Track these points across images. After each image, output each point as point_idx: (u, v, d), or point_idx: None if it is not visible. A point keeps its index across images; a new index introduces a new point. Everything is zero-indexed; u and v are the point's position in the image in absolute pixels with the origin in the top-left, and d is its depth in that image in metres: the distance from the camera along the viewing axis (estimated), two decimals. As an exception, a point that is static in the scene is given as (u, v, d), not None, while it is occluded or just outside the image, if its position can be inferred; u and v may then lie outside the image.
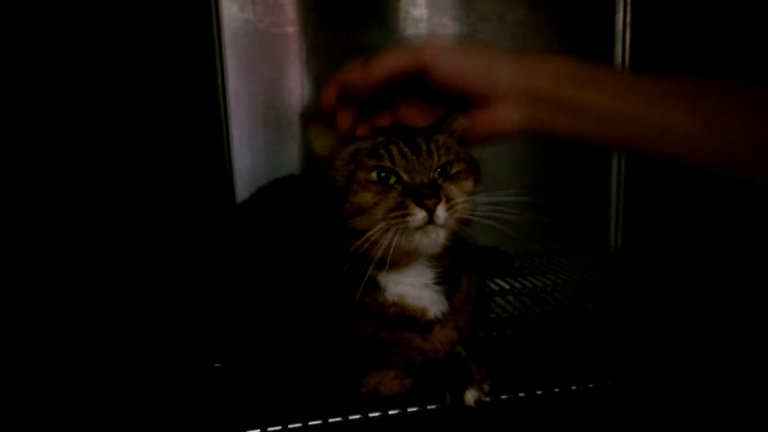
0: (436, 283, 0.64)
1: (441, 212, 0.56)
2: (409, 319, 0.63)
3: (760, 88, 0.55)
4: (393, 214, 0.56)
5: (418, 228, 0.56)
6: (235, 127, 1.10)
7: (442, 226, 0.57)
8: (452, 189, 0.60)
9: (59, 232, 0.85)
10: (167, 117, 0.93)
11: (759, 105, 0.54)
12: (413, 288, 0.63)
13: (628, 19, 1.22)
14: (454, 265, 0.66)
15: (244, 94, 1.10)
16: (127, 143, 0.90)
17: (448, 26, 1.19)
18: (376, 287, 0.62)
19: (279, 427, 0.60)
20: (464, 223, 0.61)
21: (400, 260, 0.60)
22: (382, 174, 0.59)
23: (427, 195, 0.56)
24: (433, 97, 0.63)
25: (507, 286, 1.03)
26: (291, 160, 1.14)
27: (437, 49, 0.58)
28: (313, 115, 0.63)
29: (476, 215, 0.60)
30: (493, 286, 1.03)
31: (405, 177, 0.59)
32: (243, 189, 1.08)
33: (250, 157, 1.12)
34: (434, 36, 1.18)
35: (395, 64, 0.59)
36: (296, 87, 1.12)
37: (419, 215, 0.56)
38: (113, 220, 0.89)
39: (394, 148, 0.60)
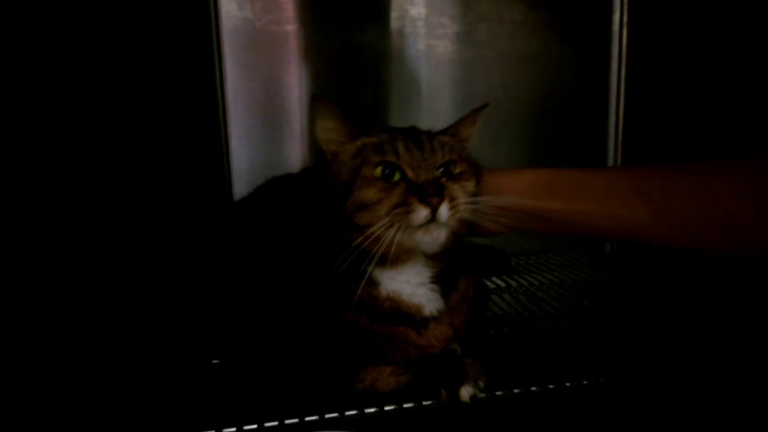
0: (433, 282, 0.65)
1: (444, 211, 0.57)
2: (404, 314, 0.64)
3: (703, 167, 0.62)
4: (396, 211, 0.57)
5: (420, 225, 0.57)
6: (233, 125, 1.10)
7: (444, 224, 0.58)
8: (455, 188, 0.60)
9: (58, 231, 0.85)
10: (165, 115, 0.93)
11: (701, 187, 0.60)
12: (408, 285, 0.64)
13: (625, 18, 1.23)
14: (453, 266, 0.67)
15: (243, 92, 1.10)
16: (125, 141, 0.90)
17: (447, 25, 1.19)
18: (371, 282, 0.62)
19: (276, 423, 0.61)
20: (464, 223, 0.61)
21: (399, 257, 0.61)
22: (387, 171, 0.60)
23: (431, 193, 0.57)
24: None
25: (503, 284, 1.04)
26: (289, 158, 1.15)
27: None
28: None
29: (477, 217, 0.61)
30: (489, 284, 1.04)
31: (409, 173, 0.59)
32: (241, 187, 1.08)
33: (249, 154, 1.12)
34: (432, 36, 1.18)
35: None
36: (295, 85, 1.13)
37: (423, 212, 0.57)
38: (112, 218, 0.89)
39: (399, 144, 0.61)
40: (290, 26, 1.11)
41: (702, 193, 0.59)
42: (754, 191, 0.57)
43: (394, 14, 1.17)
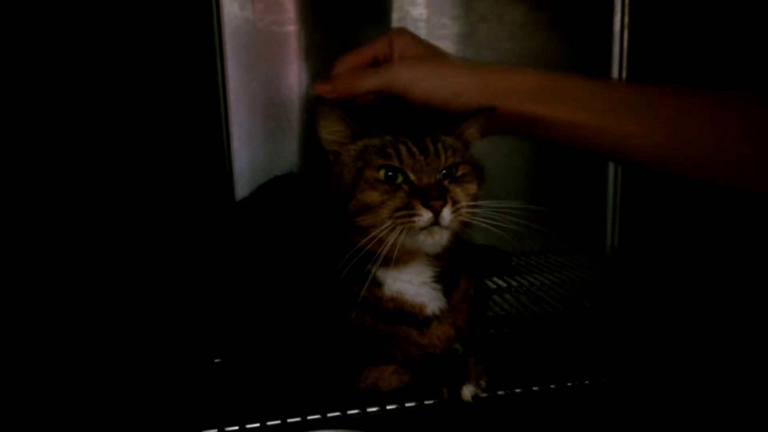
0: (435, 281, 0.65)
1: (447, 214, 0.57)
2: (407, 314, 0.64)
3: (714, 95, 0.58)
4: (399, 214, 0.57)
5: (423, 228, 0.57)
6: (234, 125, 1.10)
7: (447, 227, 0.58)
8: (458, 192, 0.61)
9: (61, 229, 0.86)
10: (167, 115, 0.94)
11: (712, 113, 0.57)
12: (411, 285, 0.64)
13: (626, 20, 1.23)
14: (453, 265, 0.67)
15: (244, 92, 1.10)
16: (128, 141, 0.90)
17: (448, 26, 1.19)
18: (375, 282, 0.63)
19: (278, 422, 0.61)
20: (466, 225, 0.62)
21: (402, 258, 0.61)
22: (390, 173, 0.60)
23: (434, 197, 0.57)
24: None
25: (504, 285, 1.04)
26: (291, 158, 1.15)
27: (410, 74, 0.64)
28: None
29: (478, 220, 0.61)
30: (490, 284, 1.04)
31: (412, 177, 0.60)
32: (243, 186, 1.09)
33: (250, 154, 1.12)
34: (433, 37, 1.18)
35: (374, 84, 0.64)
36: (296, 85, 1.13)
37: (425, 216, 0.57)
38: (114, 217, 0.89)
39: (402, 147, 0.61)
40: (292, 27, 1.11)
41: (713, 120, 0.57)
42: (762, 128, 0.55)
43: (395, 15, 1.17)
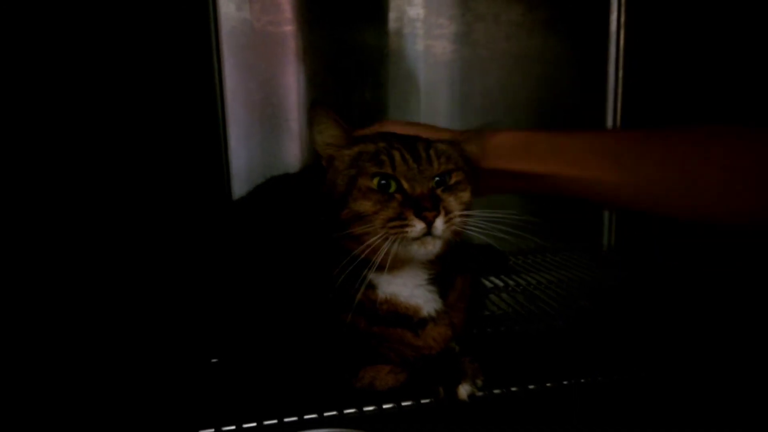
0: (430, 284, 0.65)
1: (439, 224, 0.58)
2: (401, 316, 0.64)
3: (671, 133, 0.62)
4: (392, 224, 0.57)
5: (416, 239, 0.58)
6: (232, 124, 1.11)
7: (440, 237, 0.58)
8: (451, 201, 0.61)
9: (57, 229, 0.86)
10: (165, 115, 0.94)
11: (668, 151, 0.61)
12: (405, 288, 0.64)
13: (623, 19, 1.23)
14: (449, 266, 0.67)
15: (241, 92, 1.10)
16: (125, 141, 0.90)
17: (445, 26, 1.20)
18: (369, 285, 0.63)
19: (275, 421, 0.61)
20: (458, 234, 0.62)
21: (395, 265, 0.61)
22: (383, 181, 0.60)
23: (427, 207, 0.57)
24: None
25: (501, 284, 1.04)
26: (288, 157, 1.15)
27: (398, 128, 0.69)
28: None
29: (471, 230, 0.61)
30: (487, 283, 1.04)
31: (405, 185, 0.60)
32: (240, 186, 1.09)
33: (247, 154, 1.12)
34: (430, 36, 1.18)
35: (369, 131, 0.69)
36: (293, 85, 1.13)
37: (418, 227, 0.57)
38: (111, 217, 0.89)
39: (396, 154, 0.61)
40: (288, 27, 1.11)
41: (669, 157, 0.60)
42: (720, 157, 0.57)
43: (392, 15, 1.17)
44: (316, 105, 0.63)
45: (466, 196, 0.63)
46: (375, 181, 0.60)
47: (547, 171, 0.65)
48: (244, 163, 1.12)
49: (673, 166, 0.59)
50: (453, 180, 0.63)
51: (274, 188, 0.83)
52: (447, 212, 0.59)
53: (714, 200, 0.58)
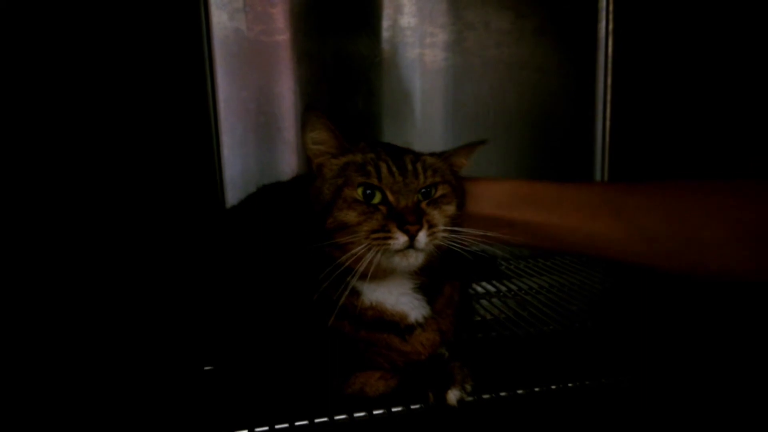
0: (416, 291, 0.66)
1: (422, 238, 0.58)
2: (387, 322, 0.65)
3: (674, 186, 0.62)
4: (375, 236, 0.58)
5: (398, 251, 0.58)
6: (225, 133, 1.11)
7: (422, 250, 0.59)
8: (435, 214, 0.61)
9: (50, 238, 0.86)
10: (157, 124, 0.95)
11: (672, 206, 0.60)
12: (391, 295, 0.65)
13: (611, 27, 1.24)
14: (436, 274, 0.67)
15: (235, 101, 1.11)
16: (117, 150, 0.91)
17: (436, 34, 1.21)
18: (354, 292, 0.63)
19: (266, 428, 0.62)
20: (440, 248, 0.62)
21: (378, 274, 0.62)
22: (368, 191, 0.61)
23: (411, 221, 0.58)
24: None
25: (493, 289, 1.05)
26: (281, 166, 1.16)
27: None
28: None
29: (455, 246, 0.61)
30: (478, 288, 1.05)
31: (390, 197, 0.60)
32: (234, 194, 1.10)
33: (242, 163, 1.13)
34: (422, 45, 1.20)
35: None
36: (286, 93, 1.14)
37: (401, 239, 0.58)
38: (105, 226, 0.90)
39: (383, 166, 0.62)
40: (281, 36, 1.12)
41: (673, 212, 0.60)
42: (724, 212, 0.57)
43: (384, 23, 1.18)
44: (310, 110, 0.64)
45: (450, 209, 0.63)
46: (360, 190, 0.61)
47: (548, 221, 0.64)
48: (239, 172, 1.13)
49: (677, 221, 0.59)
50: (438, 193, 0.63)
51: (265, 197, 0.83)
52: (430, 226, 0.59)
53: (716, 256, 0.57)
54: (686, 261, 0.60)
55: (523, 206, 0.66)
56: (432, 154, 0.67)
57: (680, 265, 0.60)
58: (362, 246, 0.58)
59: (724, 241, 0.57)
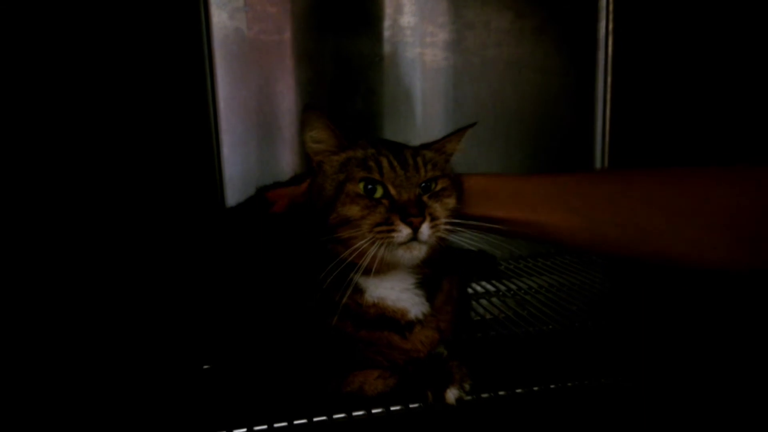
0: (417, 287, 0.66)
1: (425, 230, 0.59)
2: (388, 319, 0.65)
3: (619, 175, 0.64)
4: (379, 229, 0.58)
5: (402, 243, 0.59)
6: (225, 132, 1.11)
7: (425, 242, 0.60)
8: (436, 207, 0.62)
9: (50, 238, 0.86)
10: (157, 123, 0.95)
11: (614, 194, 0.62)
12: (393, 291, 0.65)
13: (611, 26, 1.24)
14: (437, 270, 0.68)
15: (235, 101, 1.11)
16: (118, 149, 0.91)
17: (436, 33, 1.21)
18: (357, 289, 0.64)
19: (265, 426, 0.62)
20: (443, 240, 0.63)
21: (382, 269, 0.62)
22: (369, 186, 0.61)
23: (414, 213, 0.58)
24: None
25: (492, 289, 1.05)
26: (282, 165, 1.16)
27: None
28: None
29: (456, 240, 0.62)
30: (478, 288, 1.05)
31: (392, 191, 0.61)
32: (234, 193, 1.10)
33: (242, 162, 1.13)
34: (422, 44, 1.20)
35: None
36: (286, 93, 1.14)
37: (404, 232, 0.58)
38: (105, 226, 0.90)
39: (384, 161, 0.62)
40: (281, 35, 1.12)
41: (615, 200, 0.61)
42: (663, 200, 0.58)
43: (384, 23, 1.18)
44: (309, 108, 0.64)
45: (451, 202, 0.64)
46: (362, 185, 0.61)
47: (505, 216, 0.66)
48: (239, 171, 1.13)
49: (619, 209, 0.60)
50: (439, 187, 0.64)
51: (264, 197, 0.83)
52: (433, 218, 0.60)
53: (660, 242, 0.59)
54: (633, 248, 0.61)
55: (487, 203, 0.68)
56: (426, 145, 0.68)
57: (629, 251, 0.62)
58: (366, 240, 0.58)
59: (665, 228, 0.58)
